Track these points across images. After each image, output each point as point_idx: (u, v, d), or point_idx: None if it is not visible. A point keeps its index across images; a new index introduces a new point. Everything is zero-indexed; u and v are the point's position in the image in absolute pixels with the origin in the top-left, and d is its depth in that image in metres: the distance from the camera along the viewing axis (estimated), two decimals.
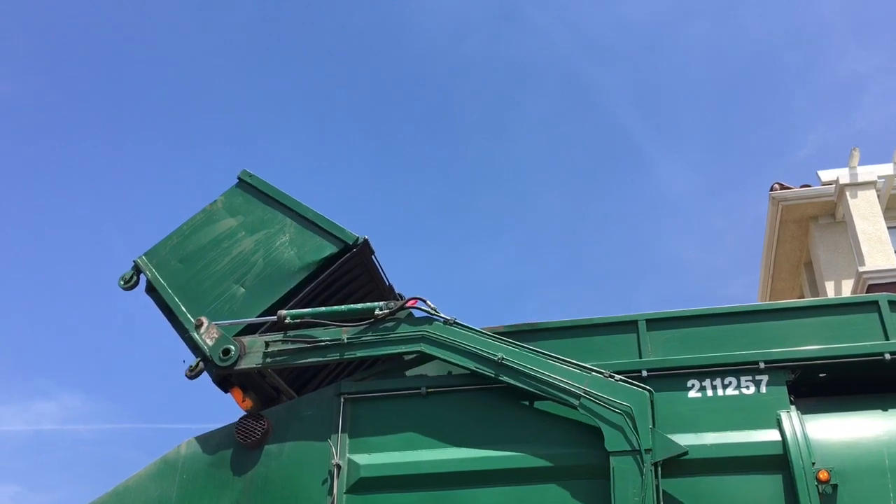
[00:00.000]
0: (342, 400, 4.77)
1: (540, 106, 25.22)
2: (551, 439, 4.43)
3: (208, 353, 4.96)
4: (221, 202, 5.68)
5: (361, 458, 4.58)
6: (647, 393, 4.26)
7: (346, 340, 4.83)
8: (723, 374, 4.44)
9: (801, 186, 14.11)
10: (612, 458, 4.13)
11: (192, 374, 5.17)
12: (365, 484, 4.51)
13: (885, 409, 4.25)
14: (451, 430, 4.58)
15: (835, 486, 3.96)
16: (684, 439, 4.18)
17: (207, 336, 5.04)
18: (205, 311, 5.20)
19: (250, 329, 5.11)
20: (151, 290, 5.50)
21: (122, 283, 5.60)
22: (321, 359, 4.88)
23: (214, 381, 5.07)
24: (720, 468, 4.15)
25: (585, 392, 4.30)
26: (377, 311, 4.87)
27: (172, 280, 5.45)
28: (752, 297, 15.34)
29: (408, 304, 4.88)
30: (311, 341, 4.88)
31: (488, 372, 4.53)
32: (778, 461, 4.10)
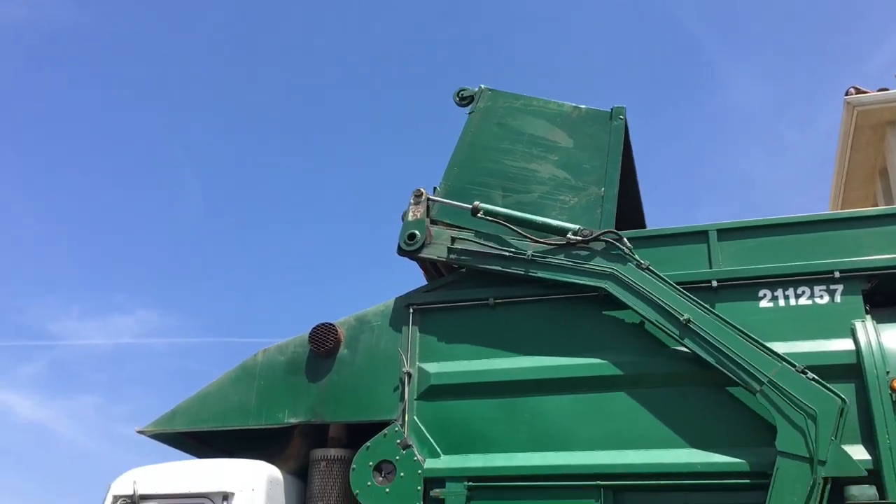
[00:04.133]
0: (411, 310, 4.87)
1: (602, 12, 24.32)
2: (619, 348, 4.48)
3: (400, 231, 4.97)
4: (577, 114, 5.29)
5: (431, 367, 4.71)
6: (838, 400, 3.90)
7: (530, 256, 4.67)
8: (796, 284, 4.38)
9: (879, 90, 13.50)
10: (779, 458, 3.88)
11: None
12: (435, 391, 4.65)
13: None
14: (518, 340, 4.66)
15: None
16: None
17: (415, 210, 5.03)
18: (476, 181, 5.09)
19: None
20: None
21: (457, 98, 5.52)
22: (502, 269, 4.73)
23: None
24: None
25: (770, 381, 4.01)
26: (570, 235, 4.66)
27: (477, 130, 5.36)
28: (823, 209, 14.92)
29: (602, 237, 4.59)
30: (497, 248, 4.77)
31: (670, 330, 4.26)
32: (851, 370, 4.07)
